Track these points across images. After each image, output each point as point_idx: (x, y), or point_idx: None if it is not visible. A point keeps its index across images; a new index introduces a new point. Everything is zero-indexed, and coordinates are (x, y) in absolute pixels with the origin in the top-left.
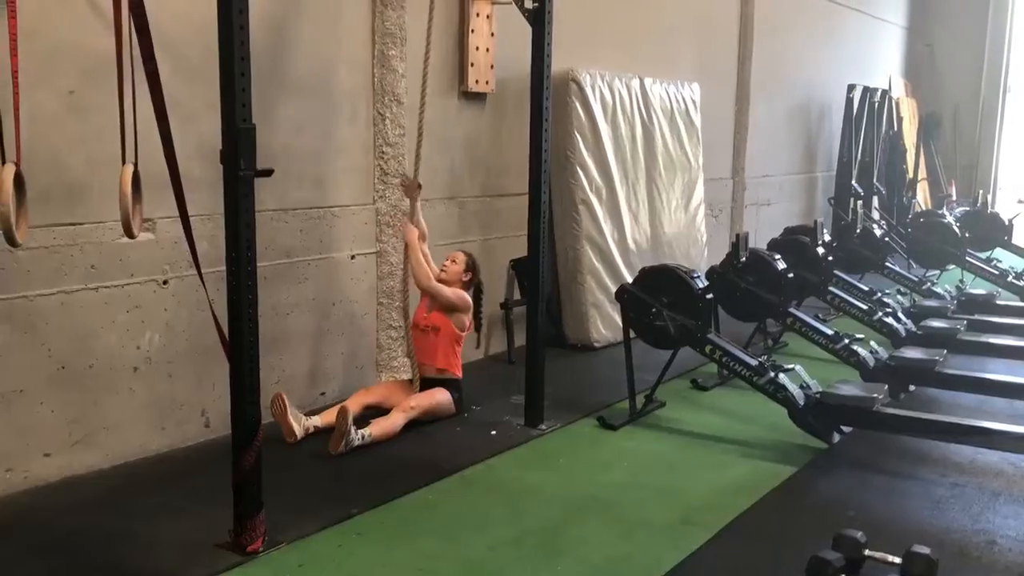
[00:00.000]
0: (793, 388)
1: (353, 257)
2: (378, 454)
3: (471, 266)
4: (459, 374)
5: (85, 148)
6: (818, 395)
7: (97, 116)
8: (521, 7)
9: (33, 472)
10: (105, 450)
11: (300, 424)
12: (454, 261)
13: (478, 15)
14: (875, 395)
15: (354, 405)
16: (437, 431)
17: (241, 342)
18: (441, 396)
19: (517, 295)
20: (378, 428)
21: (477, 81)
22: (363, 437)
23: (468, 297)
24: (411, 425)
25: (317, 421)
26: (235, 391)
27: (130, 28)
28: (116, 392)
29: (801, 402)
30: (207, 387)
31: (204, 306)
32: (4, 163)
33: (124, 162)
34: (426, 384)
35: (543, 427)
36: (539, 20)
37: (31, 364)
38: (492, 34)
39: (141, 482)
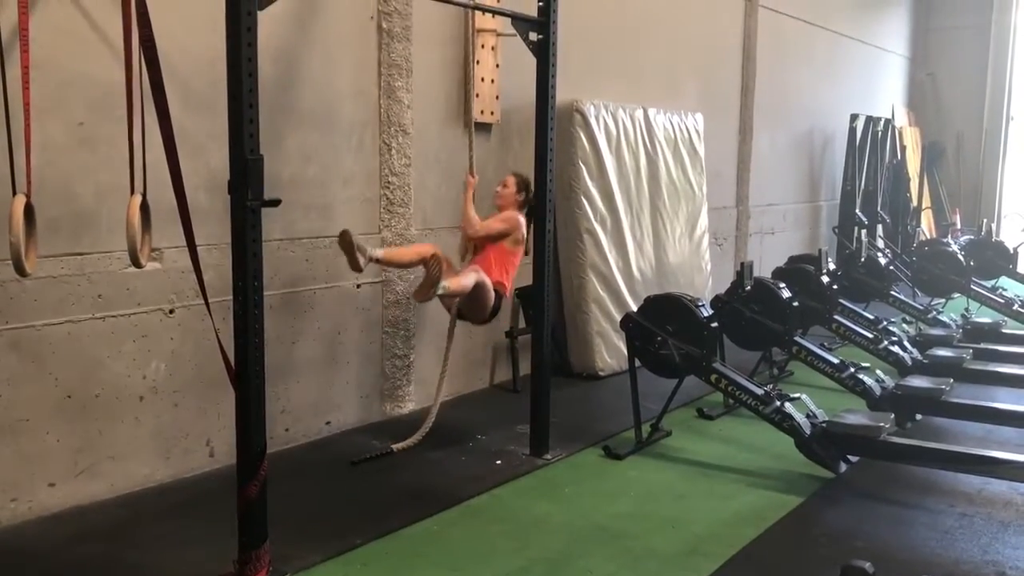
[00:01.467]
0: (799, 417)
1: (359, 286)
2: (383, 483)
3: (523, 186)
4: (507, 294)
5: (94, 178)
6: (824, 424)
7: (106, 147)
8: (526, 39)
9: (38, 502)
10: (110, 480)
11: (364, 256)
12: (505, 185)
13: (483, 47)
14: (882, 424)
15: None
16: (442, 460)
17: (247, 371)
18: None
19: (522, 323)
20: (454, 283)
21: (482, 111)
22: (443, 288)
23: (517, 216)
24: (415, 452)
25: (379, 253)
26: (240, 420)
27: (140, 61)
28: (122, 421)
29: (807, 431)
30: (212, 416)
31: (210, 335)
32: (15, 194)
33: (132, 192)
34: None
35: (548, 456)
36: (543, 52)
37: (38, 393)
38: (497, 65)
39: (146, 512)
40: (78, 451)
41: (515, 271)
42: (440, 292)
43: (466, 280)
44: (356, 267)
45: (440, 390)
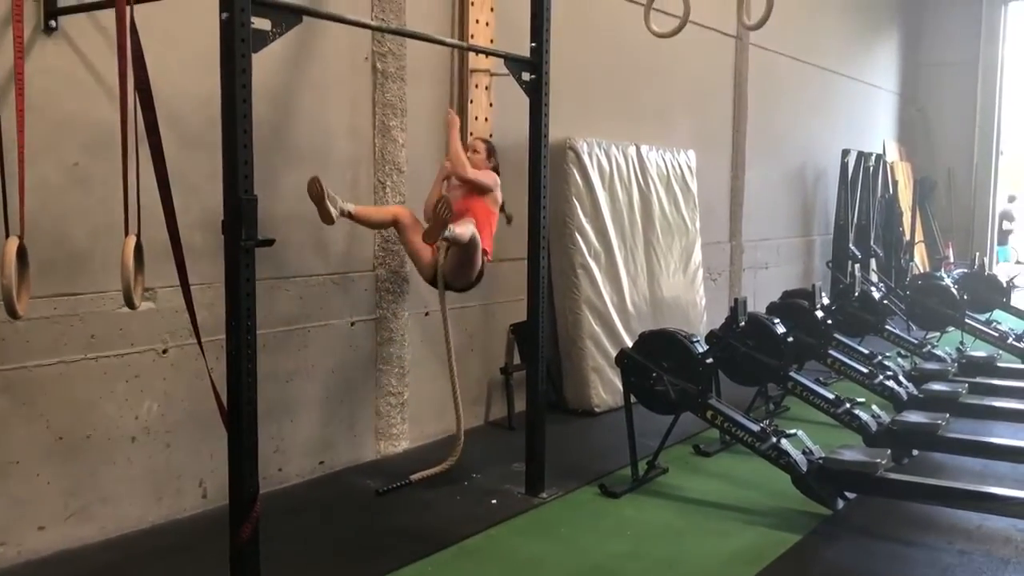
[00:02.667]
0: (795, 454)
1: (353, 324)
2: (377, 523)
3: (491, 150)
4: (489, 258)
5: (88, 219)
6: (821, 461)
7: (100, 187)
8: (519, 79)
9: (27, 546)
10: (101, 522)
11: (336, 207)
12: (476, 150)
13: (477, 86)
14: (878, 460)
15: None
16: (436, 499)
17: (240, 411)
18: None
19: (517, 360)
20: (459, 228)
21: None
22: (450, 231)
23: (495, 175)
24: (409, 492)
25: (351, 207)
26: (233, 461)
27: (135, 102)
28: (113, 463)
29: (804, 468)
30: (205, 457)
31: (203, 375)
32: (7, 236)
33: (127, 233)
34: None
35: (544, 495)
36: (536, 91)
37: (28, 435)
38: (491, 104)
39: (137, 555)
40: (69, 493)
41: (493, 232)
42: (447, 235)
43: (467, 228)
44: (327, 219)
45: (455, 384)
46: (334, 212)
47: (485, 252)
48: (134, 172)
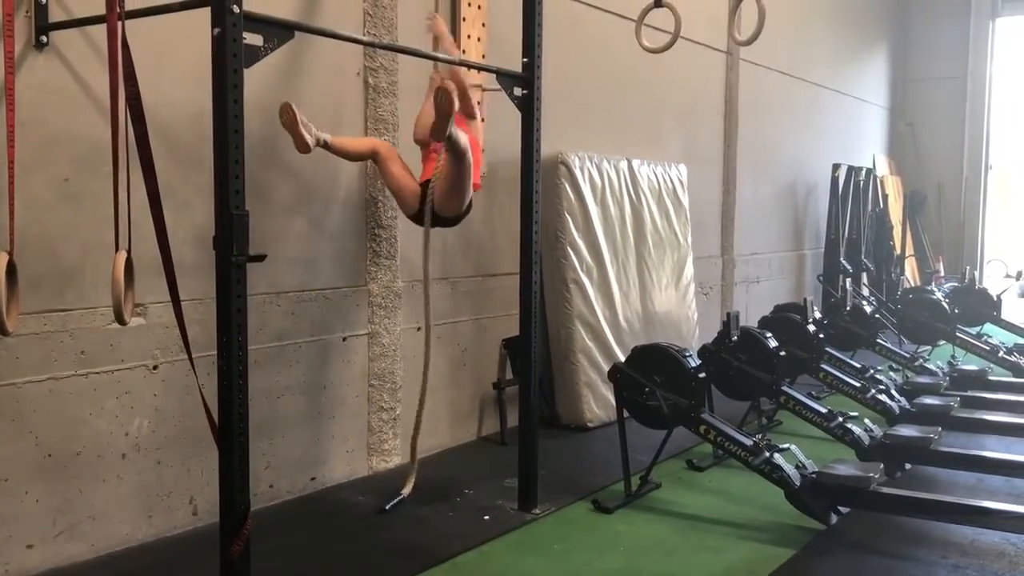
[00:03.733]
0: (788, 468)
1: (345, 339)
2: (368, 540)
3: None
4: (478, 186)
5: (78, 234)
6: (814, 475)
7: (91, 203)
8: (510, 94)
9: (14, 564)
10: (90, 540)
11: (311, 135)
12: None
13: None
14: (871, 475)
15: None
16: (428, 516)
17: (231, 428)
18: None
19: (510, 374)
20: (456, 131)
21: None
22: (452, 127)
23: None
24: (401, 508)
25: (328, 136)
26: (224, 478)
27: (126, 117)
28: (103, 480)
29: (797, 483)
30: (196, 474)
31: (194, 391)
32: None
33: (117, 248)
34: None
35: (537, 511)
36: (528, 106)
37: (17, 453)
38: (483, 119)
39: (127, 573)
40: (58, 511)
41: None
42: (451, 131)
43: (462, 134)
44: (303, 147)
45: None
46: (310, 140)
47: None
48: (125, 187)
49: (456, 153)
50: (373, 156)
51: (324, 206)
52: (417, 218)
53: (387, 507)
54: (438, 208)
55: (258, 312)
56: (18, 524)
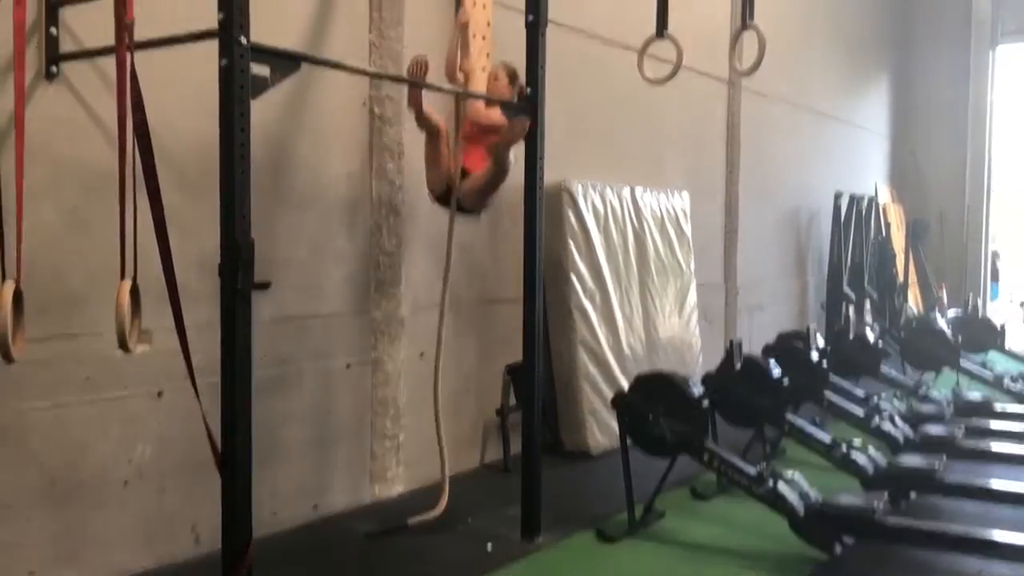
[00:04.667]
0: (793, 497)
1: (348, 366)
2: (370, 569)
3: (514, 75)
4: None
5: (85, 262)
6: (818, 505)
7: (98, 231)
8: None
9: None
10: (91, 568)
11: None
12: (497, 78)
13: None
14: (876, 504)
15: None
16: (430, 544)
17: (234, 455)
18: None
19: (513, 401)
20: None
21: None
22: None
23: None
24: (403, 537)
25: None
26: (226, 506)
27: (134, 146)
28: (106, 507)
29: (801, 512)
30: (198, 501)
31: (197, 418)
32: (4, 279)
33: (123, 276)
34: None
35: (540, 540)
36: (531, 135)
37: (20, 478)
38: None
39: None
40: (60, 538)
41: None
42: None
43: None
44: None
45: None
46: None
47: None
48: (132, 215)
49: (501, 170)
50: (436, 131)
51: (329, 233)
52: (441, 199)
53: (374, 533)
54: (464, 199)
55: (262, 339)
56: (20, 550)
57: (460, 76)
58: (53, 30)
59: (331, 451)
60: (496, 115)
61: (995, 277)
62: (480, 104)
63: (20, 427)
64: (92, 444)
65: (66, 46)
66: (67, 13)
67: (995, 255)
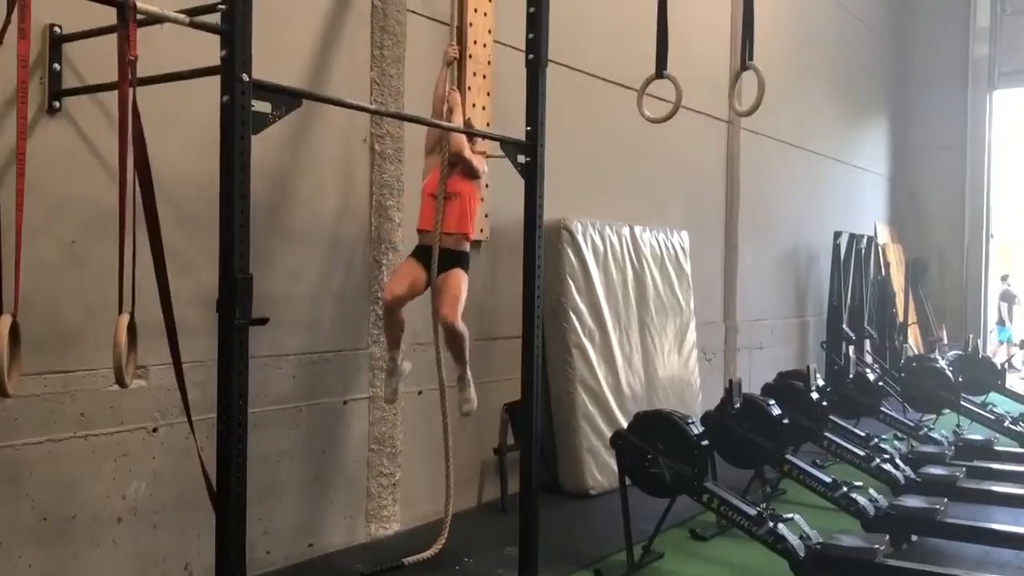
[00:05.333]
0: (793, 539)
1: (345, 403)
2: None
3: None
4: (471, 237)
5: (82, 296)
6: (818, 546)
7: (96, 265)
8: (514, 162)
9: None
10: None
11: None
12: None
13: None
14: (877, 546)
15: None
16: None
17: (228, 492)
18: (459, 291)
19: (511, 440)
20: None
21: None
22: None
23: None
24: None
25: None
26: (220, 544)
27: (134, 183)
28: (98, 544)
29: (801, 554)
30: (192, 538)
31: (192, 454)
32: (1, 314)
33: (120, 311)
34: (447, 261)
35: None
36: (531, 173)
37: (11, 516)
38: (487, 185)
39: None
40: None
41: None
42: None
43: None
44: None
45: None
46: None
47: (466, 236)
48: (131, 250)
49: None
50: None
51: (327, 269)
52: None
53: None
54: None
55: (259, 375)
56: None
57: (446, 108)
58: (56, 65)
59: (327, 489)
60: (474, 156)
61: (1006, 320)
62: (462, 137)
63: (13, 463)
64: (85, 480)
65: (69, 82)
66: (70, 48)
67: (1005, 297)
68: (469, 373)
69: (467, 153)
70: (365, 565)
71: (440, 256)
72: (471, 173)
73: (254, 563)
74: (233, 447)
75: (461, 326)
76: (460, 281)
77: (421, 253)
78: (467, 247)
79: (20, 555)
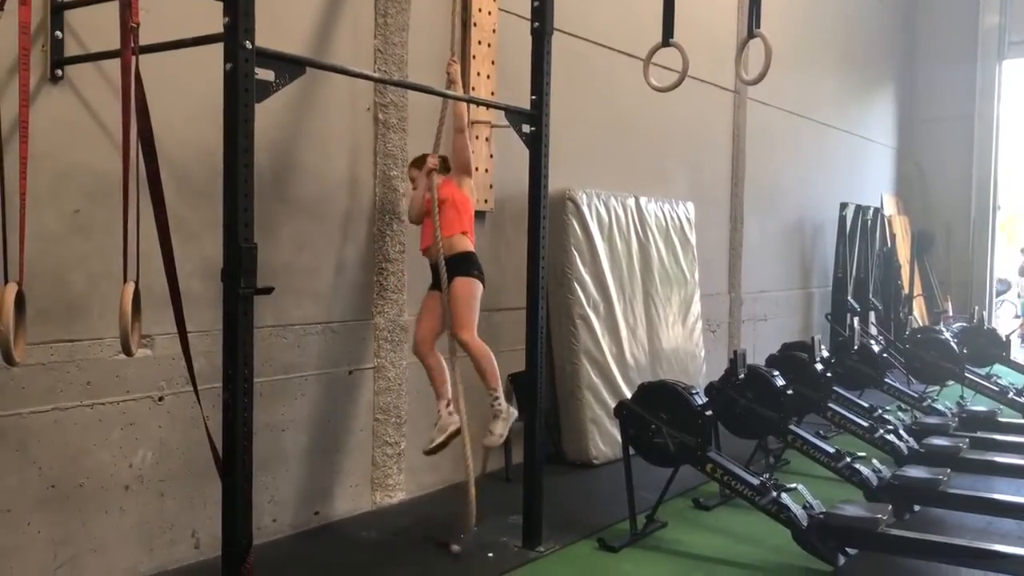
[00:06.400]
0: (796, 508)
1: (350, 372)
2: None
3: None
4: (472, 239)
5: (87, 266)
6: (821, 516)
7: (100, 235)
8: (519, 131)
9: None
10: (91, 573)
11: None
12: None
13: (477, 137)
14: (880, 516)
15: (431, 348)
16: (431, 553)
17: (234, 461)
18: (465, 301)
19: (515, 410)
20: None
21: (476, 200)
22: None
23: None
24: (406, 544)
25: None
26: (227, 511)
27: (138, 151)
28: (106, 512)
29: (804, 523)
30: (199, 506)
31: (199, 423)
32: (6, 282)
33: (125, 280)
34: (454, 268)
35: (542, 549)
36: (536, 143)
37: (20, 483)
38: (491, 155)
39: None
40: (59, 543)
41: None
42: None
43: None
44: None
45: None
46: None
47: (463, 234)
48: (134, 219)
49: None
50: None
51: (332, 240)
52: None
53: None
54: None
55: (264, 345)
56: (20, 555)
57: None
58: (58, 33)
59: (332, 458)
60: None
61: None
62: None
63: (20, 431)
64: (92, 449)
65: (71, 49)
66: (72, 16)
67: None
68: (501, 399)
69: (464, 134)
70: (371, 533)
71: (451, 262)
72: (463, 166)
73: (261, 531)
74: (239, 416)
75: (475, 341)
76: (465, 290)
77: (433, 278)
78: (468, 246)
79: (29, 522)
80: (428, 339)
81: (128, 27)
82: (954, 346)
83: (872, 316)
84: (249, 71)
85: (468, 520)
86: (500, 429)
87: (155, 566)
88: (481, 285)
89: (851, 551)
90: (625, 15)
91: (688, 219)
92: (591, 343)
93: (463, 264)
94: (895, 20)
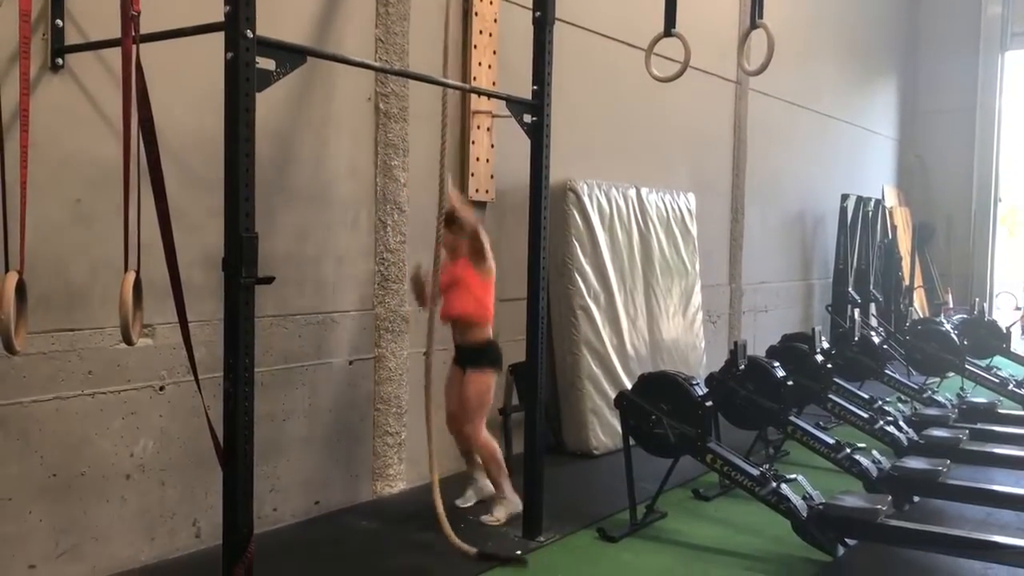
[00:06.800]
0: (795, 499)
1: (351, 363)
2: (373, 566)
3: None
4: (491, 321)
5: (88, 255)
6: (821, 506)
7: (101, 224)
8: (520, 121)
9: None
10: (92, 561)
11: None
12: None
13: (479, 128)
14: (879, 507)
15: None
16: (432, 542)
17: (235, 450)
18: (476, 400)
19: (515, 401)
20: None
21: (477, 190)
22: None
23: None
24: (405, 533)
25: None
26: (228, 500)
27: (138, 140)
28: (107, 500)
29: (804, 514)
30: (200, 495)
31: (200, 413)
32: (7, 271)
33: (127, 269)
34: (467, 358)
35: (542, 539)
36: (537, 133)
37: (22, 472)
38: (492, 145)
39: None
40: (61, 531)
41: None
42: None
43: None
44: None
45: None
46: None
47: (480, 321)
48: (135, 208)
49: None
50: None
51: (333, 230)
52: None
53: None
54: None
55: (265, 334)
56: (21, 544)
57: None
58: (59, 21)
59: (333, 448)
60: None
61: None
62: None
63: (21, 420)
64: (93, 438)
65: (71, 38)
66: (73, 4)
67: None
68: (506, 489)
69: (466, 216)
70: (371, 523)
71: (464, 351)
72: (479, 253)
73: (261, 520)
74: (240, 405)
75: (482, 439)
76: (477, 387)
77: (455, 351)
78: (484, 335)
79: (31, 511)
80: (458, 419)
81: (129, 15)
82: (954, 338)
83: (873, 307)
84: (250, 60)
85: (442, 525)
86: (500, 514)
87: (156, 555)
88: (496, 377)
89: (850, 542)
90: (627, 5)
91: (689, 210)
92: (592, 334)
93: (480, 358)
94: (897, 11)
